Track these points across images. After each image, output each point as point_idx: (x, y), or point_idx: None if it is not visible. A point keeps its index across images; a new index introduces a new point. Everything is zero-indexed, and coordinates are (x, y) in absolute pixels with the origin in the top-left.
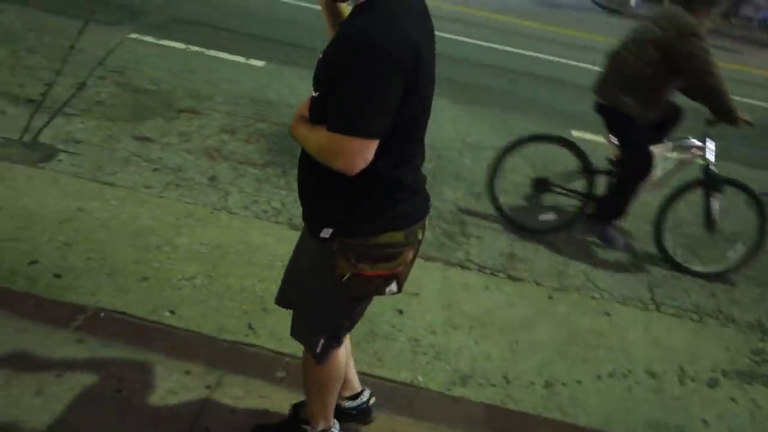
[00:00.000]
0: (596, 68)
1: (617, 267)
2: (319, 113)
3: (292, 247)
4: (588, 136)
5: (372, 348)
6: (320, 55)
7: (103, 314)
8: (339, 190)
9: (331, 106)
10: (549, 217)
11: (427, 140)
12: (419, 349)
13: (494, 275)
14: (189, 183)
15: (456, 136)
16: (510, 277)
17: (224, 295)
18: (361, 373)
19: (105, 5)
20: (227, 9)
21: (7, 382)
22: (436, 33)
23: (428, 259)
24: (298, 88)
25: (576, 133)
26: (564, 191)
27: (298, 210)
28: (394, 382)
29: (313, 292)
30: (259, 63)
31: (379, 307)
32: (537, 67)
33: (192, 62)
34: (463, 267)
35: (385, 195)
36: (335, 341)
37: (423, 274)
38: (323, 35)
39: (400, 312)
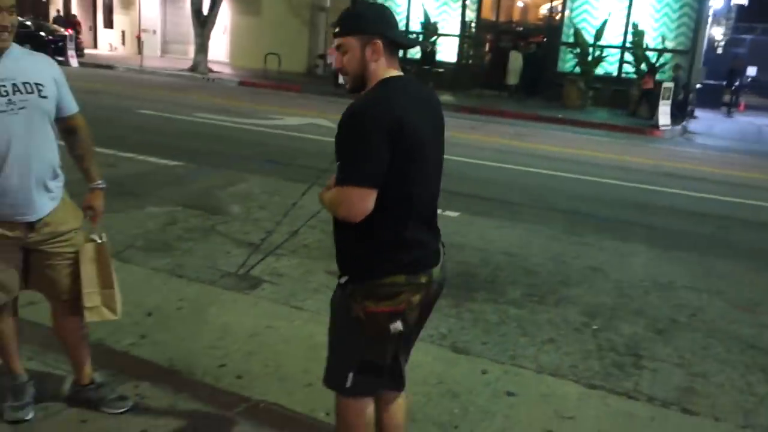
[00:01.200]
0: None
1: None
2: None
3: (449, 368)
4: None
5: None
6: None
7: (262, 405)
8: (349, 242)
9: (337, 167)
10: None
11: (611, 279)
12: None
13: (665, 407)
14: None
15: (645, 277)
16: (684, 410)
17: None
18: None
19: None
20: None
21: None
22: (640, 185)
23: (591, 387)
24: (488, 234)
25: None
26: None
27: (463, 335)
28: None
29: (338, 331)
30: (454, 214)
31: (527, 428)
32: (751, 214)
33: None
34: (629, 396)
35: (386, 246)
36: (366, 383)
37: (581, 400)
38: (519, 191)
39: None
